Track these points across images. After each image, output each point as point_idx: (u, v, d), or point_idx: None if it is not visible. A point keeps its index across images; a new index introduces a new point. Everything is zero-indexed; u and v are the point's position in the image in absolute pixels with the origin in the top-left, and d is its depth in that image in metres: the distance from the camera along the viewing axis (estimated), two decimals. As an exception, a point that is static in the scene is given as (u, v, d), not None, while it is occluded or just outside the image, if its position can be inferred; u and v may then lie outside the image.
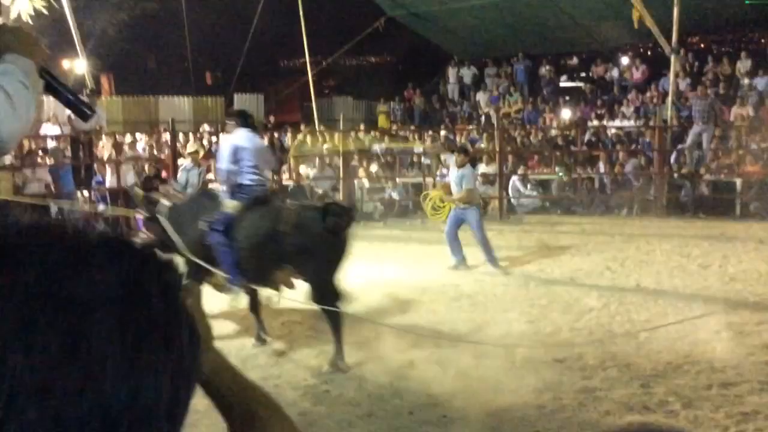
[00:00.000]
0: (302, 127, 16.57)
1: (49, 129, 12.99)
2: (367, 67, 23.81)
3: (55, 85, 1.53)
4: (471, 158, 9.04)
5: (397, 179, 13.70)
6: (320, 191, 13.22)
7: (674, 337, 6.10)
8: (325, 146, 14.33)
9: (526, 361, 5.63)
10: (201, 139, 14.44)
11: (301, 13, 16.97)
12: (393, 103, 20.24)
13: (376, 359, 5.72)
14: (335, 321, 5.46)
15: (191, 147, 11.39)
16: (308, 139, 14.80)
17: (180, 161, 11.74)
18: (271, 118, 18.95)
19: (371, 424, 4.60)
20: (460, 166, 8.65)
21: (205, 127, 16.46)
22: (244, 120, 5.99)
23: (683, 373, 5.32)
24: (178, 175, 10.30)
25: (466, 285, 8.02)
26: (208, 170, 11.26)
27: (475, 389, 5.08)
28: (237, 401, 1.02)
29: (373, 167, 13.77)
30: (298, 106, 20.41)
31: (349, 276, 8.42)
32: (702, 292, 7.40)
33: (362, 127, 16.83)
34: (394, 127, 18.20)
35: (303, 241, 5.43)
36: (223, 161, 5.97)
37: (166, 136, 13.41)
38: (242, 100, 20.36)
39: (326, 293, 5.46)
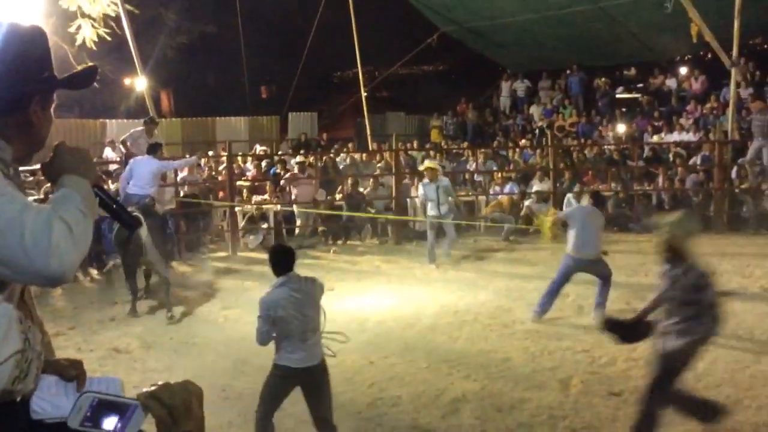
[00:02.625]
0: (350, 145, 16.73)
1: (109, 152, 13.48)
2: (419, 82, 23.90)
3: (106, 201, 1.63)
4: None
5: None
6: (373, 210, 13.32)
7: (734, 368, 5.95)
8: (378, 165, 14.43)
9: (581, 393, 5.58)
10: (258, 158, 14.70)
11: (354, 28, 17.22)
12: (446, 118, 20.25)
13: (426, 392, 5.74)
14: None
15: (429, 163, 11.45)
16: (362, 158, 14.94)
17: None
18: (324, 136, 19.19)
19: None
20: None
21: (257, 147, 16.78)
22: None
23: (744, 408, 5.19)
24: (419, 191, 10.98)
25: (518, 310, 7.95)
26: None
27: (527, 423, 5.06)
28: None
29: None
30: (351, 122, 20.62)
31: (397, 300, 8.55)
32: (765, 318, 7.18)
33: (415, 144, 16.90)
34: (447, 142, 18.20)
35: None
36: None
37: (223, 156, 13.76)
38: (296, 119, 20.70)
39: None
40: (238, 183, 13.08)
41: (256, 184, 13.45)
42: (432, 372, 6.20)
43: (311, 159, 14.50)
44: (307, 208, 12.81)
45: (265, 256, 11.43)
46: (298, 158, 13.65)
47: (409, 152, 15.23)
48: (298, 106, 21.02)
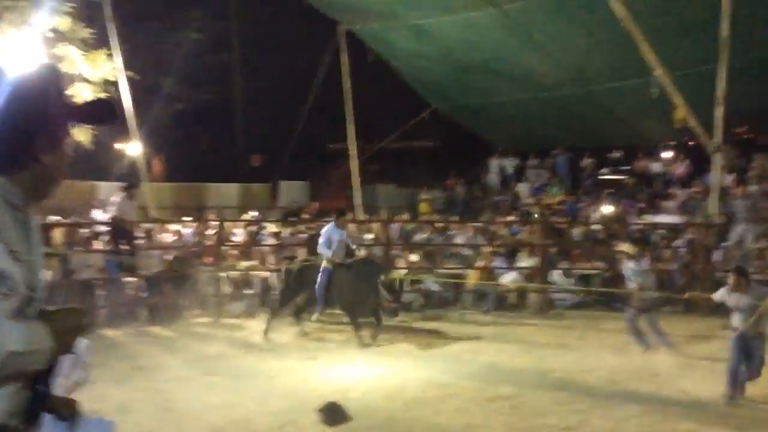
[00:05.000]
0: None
1: (99, 214, 13.52)
2: (410, 155, 24.30)
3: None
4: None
5: (437, 270, 13.70)
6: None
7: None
8: (367, 236, 14.52)
9: (563, 472, 5.50)
10: (246, 225, 14.77)
11: (347, 102, 17.67)
12: (435, 191, 20.52)
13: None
14: None
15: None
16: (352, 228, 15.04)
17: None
18: (315, 205, 19.33)
19: None
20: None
21: (250, 213, 16.88)
22: None
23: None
24: None
25: (504, 385, 7.87)
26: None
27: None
28: None
29: (413, 257, 13.84)
30: (342, 193, 20.82)
31: (381, 371, 8.48)
32: (749, 406, 7.14)
33: (405, 216, 17.06)
34: (436, 216, 18.37)
35: None
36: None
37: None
38: (288, 187, 20.90)
39: None
40: (225, 248, 13.10)
41: (244, 249, 13.48)
42: (414, 445, 6.10)
43: (302, 227, 14.60)
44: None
45: (249, 323, 11.46)
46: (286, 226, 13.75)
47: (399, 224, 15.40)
48: (289, 175, 21.27)
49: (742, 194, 14.25)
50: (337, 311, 10.94)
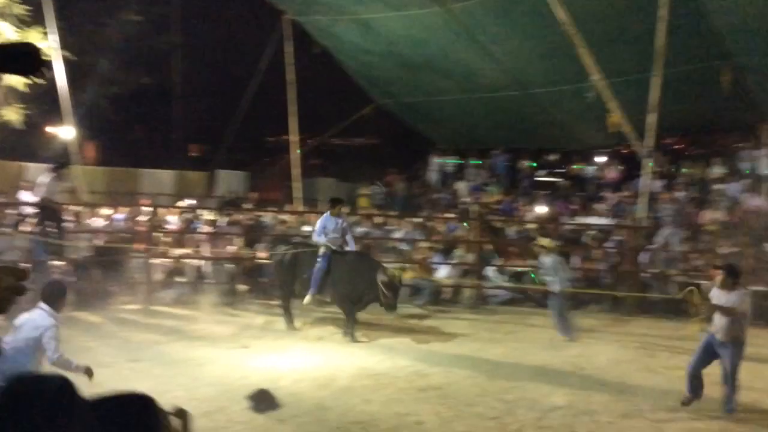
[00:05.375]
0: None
1: (26, 196, 13.03)
2: (351, 150, 24.30)
3: None
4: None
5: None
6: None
7: None
8: (305, 227, 14.43)
9: (488, 458, 5.59)
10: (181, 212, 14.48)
11: (290, 94, 17.53)
12: (375, 187, 20.56)
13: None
14: None
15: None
16: (291, 220, 14.94)
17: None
18: (253, 196, 19.09)
19: None
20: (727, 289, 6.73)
21: (186, 201, 16.55)
22: None
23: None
24: None
25: (435, 375, 7.98)
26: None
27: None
28: None
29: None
30: (281, 185, 20.65)
31: (314, 360, 8.47)
32: (667, 394, 7.41)
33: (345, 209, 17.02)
34: (375, 210, 18.41)
35: None
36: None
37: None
38: (225, 177, 20.59)
39: None
40: (158, 235, 12.81)
41: (178, 237, 13.21)
42: (342, 432, 6.11)
43: (238, 217, 14.42)
44: (226, 263, 12.66)
45: (179, 311, 11.24)
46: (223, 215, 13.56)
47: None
48: (228, 164, 20.96)
49: (669, 200, 14.79)
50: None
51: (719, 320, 6.63)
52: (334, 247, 10.23)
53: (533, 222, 15.76)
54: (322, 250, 10.20)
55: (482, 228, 14.00)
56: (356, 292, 9.90)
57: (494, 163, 20.42)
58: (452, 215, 16.70)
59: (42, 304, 5.65)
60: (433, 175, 21.07)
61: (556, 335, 10.03)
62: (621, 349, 9.56)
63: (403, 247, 14.26)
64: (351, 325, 9.83)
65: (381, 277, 9.63)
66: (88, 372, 5.79)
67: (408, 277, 13.00)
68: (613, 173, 18.64)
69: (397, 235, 14.67)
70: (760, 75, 14.13)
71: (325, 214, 10.61)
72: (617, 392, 7.46)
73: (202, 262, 12.75)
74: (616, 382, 7.83)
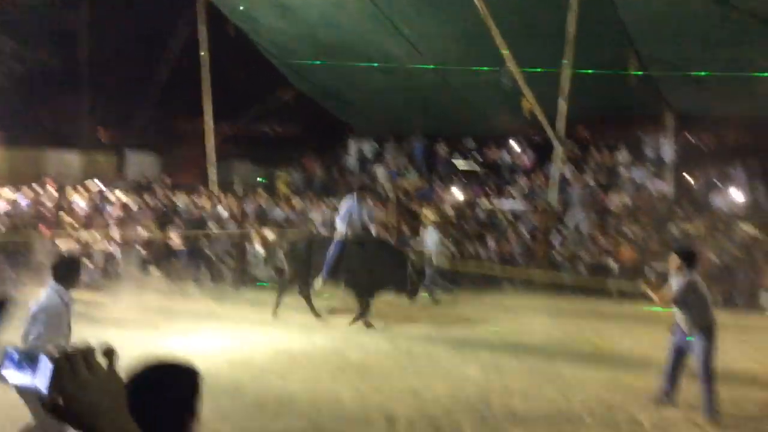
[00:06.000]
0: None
1: None
2: (269, 134, 23.93)
3: None
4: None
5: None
6: (213, 255, 13.02)
7: (547, 408, 6.31)
8: (221, 210, 14.17)
9: (406, 429, 5.66)
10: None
11: (204, 75, 17.09)
12: (293, 170, 20.36)
13: (251, 428, 5.59)
14: None
15: None
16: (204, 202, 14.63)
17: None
18: (166, 179, 18.54)
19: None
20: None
21: (96, 182, 15.89)
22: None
23: None
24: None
25: (352, 353, 8.02)
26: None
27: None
28: None
29: (269, 233, 13.67)
30: (195, 168, 20.15)
31: (237, 339, 8.35)
32: (576, 367, 7.70)
33: (261, 191, 16.80)
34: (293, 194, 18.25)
35: None
36: None
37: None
38: (137, 159, 19.91)
39: None
40: (65, 218, 12.29)
41: (86, 220, 12.71)
42: (259, 409, 6.05)
43: (148, 200, 14.01)
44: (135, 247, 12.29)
45: (88, 296, 10.82)
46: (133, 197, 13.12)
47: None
48: (139, 147, 20.26)
49: (579, 185, 15.35)
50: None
51: (678, 313, 6.09)
52: (351, 236, 9.90)
53: (450, 206, 16.02)
54: (336, 237, 9.92)
55: (400, 211, 14.13)
56: (377, 280, 9.64)
57: (412, 148, 20.58)
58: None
59: (52, 283, 4.98)
60: (351, 160, 21.05)
61: (470, 312, 10.24)
62: (532, 325, 9.86)
63: (322, 230, 14.21)
64: (365, 312, 9.61)
65: (411, 265, 9.53)
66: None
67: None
68: (526, 159, 19.13)
69: (316, 217, 14.61)
70: (665, 64, 14.77)
71: (350, 200, 10.20)
72: (529, 362, 7.71)
73: (112, 246, 12.31)
74: (527, 354, 8.09)
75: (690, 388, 6.08)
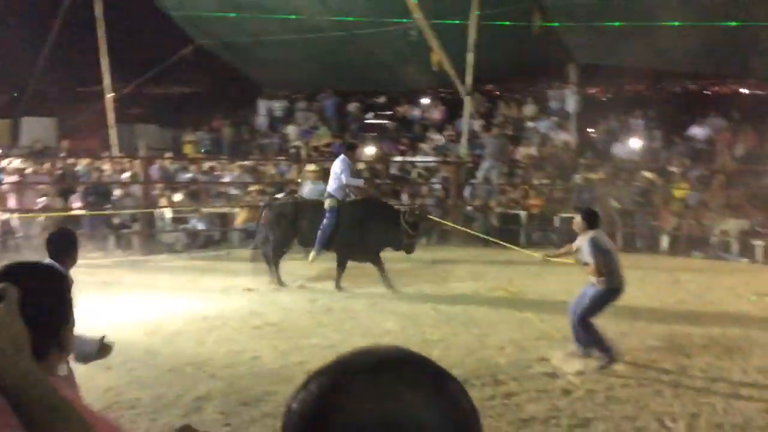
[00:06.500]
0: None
1: None
2: (173, 95, 23.03)
3: None
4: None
5: (203, 209, 13.31)
6: (118, 221, 12.57)
7: (464, 353, 6.48)
8: (125, 174, 13.62)
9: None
10: None
11: (99, 32, 16.19)
12: (201, 133, 19.76)
13: (167, 393, 5.48)
14: None
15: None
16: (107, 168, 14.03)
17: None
18: (65, 144, 17.62)
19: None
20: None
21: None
22: None
23: (470, 386, 5.63)
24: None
25: (271, 313, 7.96)
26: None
27: (273, 413, 5.03)
28: (39, 415, 1.04)
29: (177, 196, 13.28)
30: (96, 132, 19.24)
31: (149, 307, 8.11)
32: (490, 313, 7.94)
33: (168, 154, 16.26)
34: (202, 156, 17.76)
35: None
36: None
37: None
38: (32, 124, 18.80)
39: None
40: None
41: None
42: (175, 374, 5.93)
43: (47, 166, 13.30)
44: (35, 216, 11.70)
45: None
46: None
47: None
48: (34, 111, 19.11)
49: (488, 137, 15.63)
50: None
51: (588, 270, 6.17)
52: (339, 198, 9.41)
53: (363, 163, 16.01)
54: (329, 204, 9.31)
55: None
56: (373, 243, 9.24)
57: (323, 106, 20.34)
58: (283, 158, 16.54)
59: (49, 261, 4.14)
60: (261, 120, 20.62)
61: (387, 267, 10.29)
62: (449, 276, 10.07)
63: (233, 191, 13.94)
64: (340, 274, 9.29)
65: (406, 218, 9.11)
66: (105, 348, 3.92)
67: (240, 220, 12.78)
68: (436, 114, 19.29)
69: (226, 179, 14.29)
70: (567, 17, 15.08)
71: (345, 159, 9.62)
72: (445, 311, 7.90)
73: (8, 215, 11.66)
74: (444, 304, 8.28)
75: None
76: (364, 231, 9.21)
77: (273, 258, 9.47)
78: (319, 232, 9.21)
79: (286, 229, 9.46)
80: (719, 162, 14.43)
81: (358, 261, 9.48)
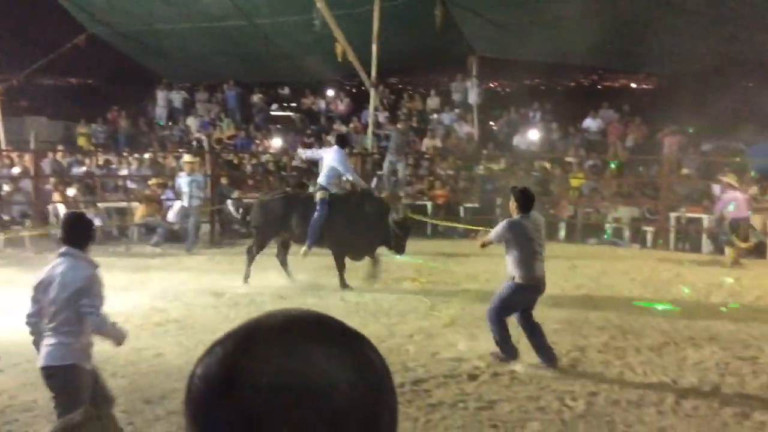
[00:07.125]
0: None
1: None
2: (65, 86, 21.93)
3: None
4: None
5: (99, 204, 12.76)
6: (8, 218, 11.86)
7: (374, 342, 6.49)
8: (15, 169, 12.88)
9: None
10: None
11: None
12: (95, 125, 18.90)
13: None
14: None
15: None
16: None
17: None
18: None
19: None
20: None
21: None
22: None
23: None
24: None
25: (174, 310, 7.73)
26: None
27: (177, 411, 4.89)
28: None
29: (71, 191, 12.66)
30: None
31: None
32: (399, 303, 8.02)
33: (61, 148, 15.48)
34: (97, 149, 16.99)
35: None
36: None
37: None
38: None
39: None
40: None
41: None
42: (74, 375, 5.65)
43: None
44: None
45: None
46: None
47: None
48: None
49: (393, 129, 15.75)
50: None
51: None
52: (334, 190, 9.03)
53: (269, 155, 15.82)
54: (320, 196, 8.84)
55: (216, 162, 13.68)
56: (356, 237, 8.75)
57: (225, 98, 19.93)
58: (184, 151, 16.07)
59: (68, 249, 3.95)
60: (159, 111, 19.97)
61: (292, 260, 10.19)
62: (358, 266, 10.08)
63: (131, 185, 13.44)
64: (342, 273, 8.86)
65: (393, 217, 8.67)
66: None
67: (138, 214, 12.34)
68: (342, 106, 19.28)
69: (123, 173, 13.76)
70: (467, 10, 15.38)
71: (339, 150, 9.23)
72: (354, 302, 7.92)
73: None
74: (353, 295, 8.32)
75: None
76: (357, 226, 8.78)
77: (253, 253, 9.10)
78: (310, 226, 8.83)
79: (272, 226, 9.08)
80: (610, 152, 15.17)
81: (353, 258, 9.05)
